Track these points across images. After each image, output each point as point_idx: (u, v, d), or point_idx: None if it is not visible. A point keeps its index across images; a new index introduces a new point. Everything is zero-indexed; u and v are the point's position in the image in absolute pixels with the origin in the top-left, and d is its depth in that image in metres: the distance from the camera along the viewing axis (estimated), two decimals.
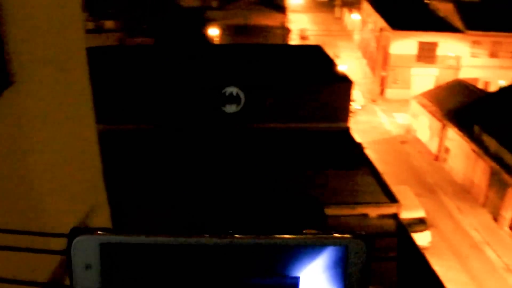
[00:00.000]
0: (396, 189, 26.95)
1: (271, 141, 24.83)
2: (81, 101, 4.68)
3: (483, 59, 57.53)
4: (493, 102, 41.24)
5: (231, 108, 25.48)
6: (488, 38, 56.84)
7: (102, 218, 4.96)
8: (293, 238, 1.63)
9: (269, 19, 59.98)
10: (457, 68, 56.70)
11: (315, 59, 31.42)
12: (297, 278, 1.62)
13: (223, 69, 27.40)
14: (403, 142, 48.50)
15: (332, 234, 1.66)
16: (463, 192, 39.18)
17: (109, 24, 50.79)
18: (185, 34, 49.72)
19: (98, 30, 48.73)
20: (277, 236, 1.65)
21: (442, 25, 58.31)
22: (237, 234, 1.65)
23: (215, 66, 27.79)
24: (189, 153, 23.00)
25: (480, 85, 54.81)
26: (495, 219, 35.28)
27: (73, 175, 4.56)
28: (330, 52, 36.50)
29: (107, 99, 22.62)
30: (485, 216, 35.98)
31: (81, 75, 4.58)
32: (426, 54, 57.68)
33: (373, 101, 57.91)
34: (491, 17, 56.38)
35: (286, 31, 62.43)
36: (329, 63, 31.18)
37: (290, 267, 1.62)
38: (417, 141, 48.10)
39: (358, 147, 28.61)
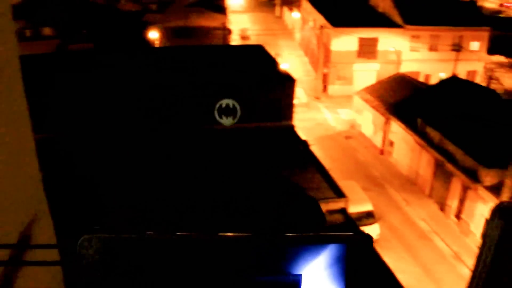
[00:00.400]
0: (343, 184, 27.12)
1: (216, 141, 24.67)
2: (16, 110, 4.48)
3: (422, 53, 58.64)
4: (434, 95, 41.97)
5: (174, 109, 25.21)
6: (426, 32, 57.96)
7: (44, 227, 4.76)
8: (294, 237, 1.66)
9: (210, 20, 59.83)
10: (398, 63, 57.61)
11: (257, 59, 31.38)
12: (299, 276, 1.65)
13: (163, 71, 27.07)
14: (348, 138, 48.96)
15: (333, 232, 1.68)
16: (409, 184, 39.77)
17: (47, 31, 49.81)
18: (125, 38, 49.12)
19: (36, 37, 47.75)
20: (279, 234, 1.66)
21: (382, 21, 59.24)
22: (239, 232, 1.69)
23: (155, 69, 27.44)
24: (132, 156, 22.65)
25: (421, 79, 55.87)
26: (442, 209, 35.90)
27: (11, 185, 4.36)
28: (271, 51, 36.54)
29: (45, 107, 22.12)
30: (432, 206, 36.59)
31: (15, 84, 4.40)
32: (367, 49, 58.41)
33: (317, 98, 58.31)
34: (429, 11, 57.56)
35: (227, 31, 62.35)
36: (271, 62, 31.19)
37: (292, 265, 1.64)
38: (362, 136, 48.63)
39: (304, 144, 28.70)
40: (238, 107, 25.45)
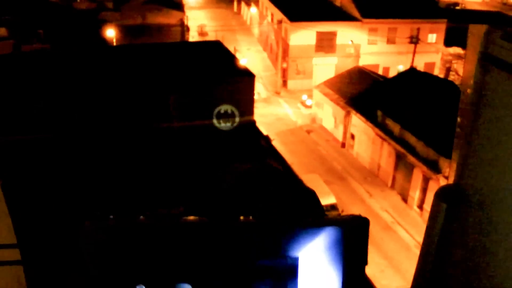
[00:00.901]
0: (306, 177, 27.05)
1: (178, 139, 24.36)
2: None
3: (381, 46, 59.09)
4: (393, 87, 42.29)
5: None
6: (384, 25, 58.43)
7: (4, 228, 4.52)
8: (292, 221, 1.53)
9: (167, 18, 59.37)
10: (356, 56, 57.96)
11: (216, 55, 31.11)
12: (296, 259, 1.55)
13: (119, 70, 26.59)
14: (309, 132, 49.03)
15: (330, 217, 1.51)
16: (372, 176, 39.99)
17: (2, 31, 48.73)
18: (81, 37, 48.32)
19: None
20: (277, 219, 1.52)
21: (340, 15, 59.52)
22: (237, 217, 1.54)
23: (110, 68, 26.93)
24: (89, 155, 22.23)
25: (380, 71, 56.31)
26: (404, 200, 36.19)
27: None
28: (230, 47, 36.29)
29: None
30: (395, 197, 36.86)
31: None
32: (325, 43, 58.61)
33: (277, 93, 58.32)
34: (386, 4, 58.04)
35: (184, 28, 61.93)
36: (230, 58, 30.93)
37: (290, 248, 1.55)
38: (323, 129, 48.77)
39: (266, 139, 28.54)
40: (236, 112, 25.36)
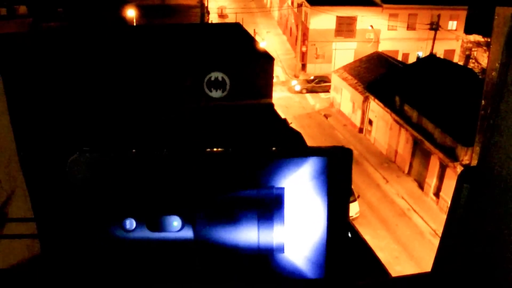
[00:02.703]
0: None
1: (197, 119, 24.49)
2: None
3: (400, 32, 58.73)
4: (412, 73, 42.05)
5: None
6: (404, 11, 58.04)
7: (21, 203, 4.63)
8: (276, 150, 1.70)
9: None
10: (376, 41, 57.65)
11: (235, 37, 31.17)
12: (282, 189, 1.69)
13: (137, 50, 26.73)
14: (326, 116, 48.98)
15: (313, 147, 1.75)
16: (388, 162, 39.93)
17: (23, 9, 48.94)
18: (101, 17, 48.44)
19: (12, 16, 46.91)
20: (261, 148, 1.71)
21: None
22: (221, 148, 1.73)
23: (135, 48, 27.07)
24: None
25: (399, 57, 56.00)
26: (421, 186, 36.11)
27: None
28: (249, 29, 36.28)
29: (21, 89, 21.73)
30: (411, 184, 36.79)
31: None
32: (345, 28, 58.38)
33: (296, 76, 58.22)
34: None
35: (204, 9, 61.83)
36: (249, 41, 30.98)
37: (276, 179, 1.69)
38: (341, 114, 48.68)
39: (283, 122, 28.61)
40: (227, 80, 25.33)
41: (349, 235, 1.81)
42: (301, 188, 1.71)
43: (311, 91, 53.90)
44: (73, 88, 23.70)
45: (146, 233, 1.75)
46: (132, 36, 31.41)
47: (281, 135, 20.63)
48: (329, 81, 53.53)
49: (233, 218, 1.72)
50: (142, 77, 24.61)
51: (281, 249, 1.75)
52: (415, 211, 33.88)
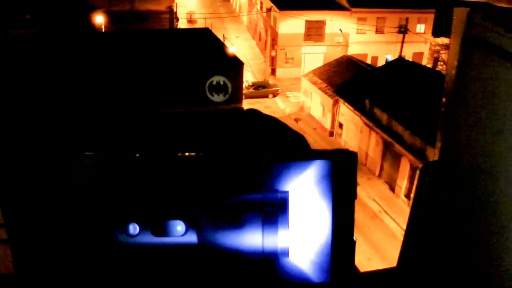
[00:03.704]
0: None
1: (170, 125, 24.31)
2: None
3: (369, 35, 59.19)
4: (381, 76, 42.37)
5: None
6: (373, 15, 58.49)
7: None
8: (280, 154, 1.67)
9: (155, 4, 59.01)
10: (345, 45, 58.00)
11: (204, 43, 31.07)
12: (286, 193, 1.68)
13: (105, 56, 26.49)
14: (297, 120, 49.08)
15: (318, 150, 1.77)
16: (359, 165, 39.92)
17: None
18: (70, 23, 47.95)
19: None
20: (266, 153, 1.70)
21: (329, 4, 59.43)
22: (225, 152, 1.73)
23: (100, 55, 26.82)
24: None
25: (368, 61, 56.40)
26: (392, 188, 36.35)
27: None
28: (219, 34, 36.17)
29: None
30: (382, 186, 37.01)
31: None
32: (314, 32, 58.62)
33: (265, 81, 58.25)
34: None
35: (173, 15, 61.61)
36: (219, 46, 30.92)
37: (280, 183, 1.67)
38: (311, 118, 48.85)
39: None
40: (229, 84, 25.20)
41: (354, 238, 1.79)
42: (305, 192, 1.70)
43: (249, 96, 53.51)
44: (58, 93, 23.36)
45: (150, 238, 1.72)
46: (101, 42, 30.94)
47: (283, 139, 20.56)
48: (269, 87, 54.06)
49: (238, 222, 1.70)
50: (131, 80, 24.40)
51: (286, 253, 1.73)
52: (386, 213, 34.07)
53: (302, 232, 1.71)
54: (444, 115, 3.31)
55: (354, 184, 1.67)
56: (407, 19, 56.53)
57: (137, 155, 1.62)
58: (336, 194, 1.65)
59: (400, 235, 31.64)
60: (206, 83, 25.08)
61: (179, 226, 1.69)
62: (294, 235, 1.71)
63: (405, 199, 34.76)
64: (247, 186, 1.67)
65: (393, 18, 58.38)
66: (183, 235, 1.69)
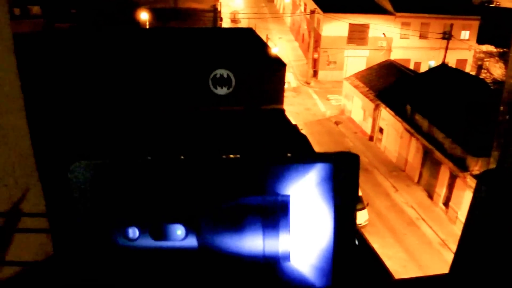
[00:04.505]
0: None
1: (208, 123, 24.50)
2: (9, 89, 4.40)
3: (413, 41, 58.60)
4: (423, 82, 41.97)
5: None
6: (417, 20, 57.89)
7: (36, 202, 4.67)
8: (282, 157, 1.67)
9: (199, 3, 59.38)
10: (388, 50, 57.57)
11: (247, 42, 31.18)
12: (287, 196, 1.67)
13: (153, 53, 26.80)
14: (337, 123, 48.91)
15: (319, 152, 1.72)
16: (398, 170, 39.81)
17: (36, 9, 49.11)
18: (114, 19, 48.61)
19: (25, 16, 47.06)
20: (267, 155, 1.68)
21: (373, 7, 59.07)
22: (226, 155, 1.71)
23: (146, 50, 27.16)
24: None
25: (411, 66, 55.87)
26: (430, 196, 35.98)
27: (4, 161, 4.29)
28: (262, 35, 36.31)
29: (37, 86, 21.81)
30: (420, 193, 36.67)
31: (8, 63, 4.31)
32: (357, 36, 58.31)
33: (307, 83, 58.21)
34: None
35: (217, 14, 61.94)
36: (262, 46, 31.01)
37: (281, 186, 1.66)
38: (351, 121, 48.61)
39: (294, 129, 28.59)
40: (232, 77, 25.31)
41: (356, 242, 1.77)
42: (307, 195, 1.69)
43: None
44: (83, 89, 23.81)
45: (149, 242, 1.73)
46: (141, 38, 31.42)
47: (287, 138, 20.61)
48: None
49: (238, 226, 1.69)
50: (147, 77, 24.69)
51: (287, 257, 1.72)
52: (424, 220, 33.75)
53: (304, 236, 1.71)
54: (502, 123, 3.32)
55: (356, 188, 1.68)
56: (451, 25, 55.86)
57: (135, 157, 1.70)
58: (337, 197, 1.66)
59: (436, 243, 31.38)
60: (209, 77, 25.23)
61: (179, 230, 1.70)
62: (296, 239, 1.70)
63: (443, 207, 34.39)
64: (248, 189, 1.66)
65: (437, 24, 57.75)
66: (183, 239, 1.70)
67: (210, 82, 25.29)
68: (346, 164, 1.67)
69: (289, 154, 1.70)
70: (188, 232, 1.71)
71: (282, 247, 1.70)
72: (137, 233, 1.72)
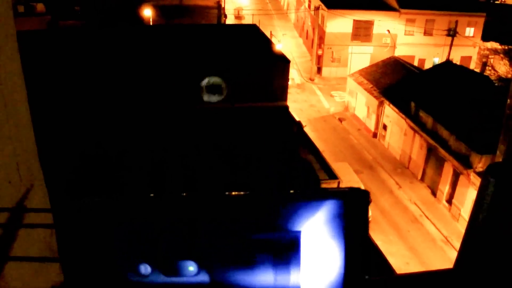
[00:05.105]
0: (336, 166, 27.06)
1: (213, 121, 24.48)
2: (13, 86, 4.43)
3: (417, 37, 58.49)
4: (428, 79, 41.90)
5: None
6: (421, 16, 57.76)
7: (40, 198, 4.70)
8: (292, 194, 1.71)
9: None
10: (392, 46, 57.48)
11: (251, 39, 31.13)
12: (298, 232, 1.71)
13: (154, 49, 26.79)
14: (341, 120, 48.87)
15: (330, 189, 1.64)
16: (402, 167, 39.78)
17: (40, 7, 49.13)
18: (118, 16, 48.59)
19: (29, 13, 47.09)
20: (277, 192, 1.72)
21: (377, 4, 58.95)
22: (236, 191, 1.73)
23: (148, 47, 27.15)
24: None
25: (415, 63, 55.78)
26: (433, 193, 35.96)
27: (9, 158, 4.32)
28: (266, 31, 36.28)
29: (41, 83, 21.85)
30: (424, 190, 36.64)
31: (12, 60, 4.33)
32: (362, 32, 58.23)
33: (311, 79, 58.16)
34: None
35: (221, 11, 61.90)
36: (266, 43, 30.95)
37: (292, 222, 1.69)
38: (355, 118, 48.57)
39: (298, 125, 28.56)
40: (224, 84, 25.24)
41: (366, 277, 1.79)
42: (317, 232, 1.73)
43: None
44: (86, 87, 23.81)
45: (161, 278, 1.75)
46: (141, 38, 31.35)
47: (289, 139, 20.59)
48: None
49: (250, 262, 1.73)
50: (147, 77, 24.67)
51: None
52: (427, 217, 33.74)
53: (314, 272, 1.72)
54: (510, 117, 3.32)
55: (366, 224, 1.74)
56: (456, 22, 55.71)
57: (147, 195, 1.69)
58: (348, 233, 1.70)
59: (440, 240, 31.38)
60: (201, 84, 25.15)
61: (191, 267, 1.74)
62: (306, 275, 1.72)
63: (446, 204, 34.36)
64: (259, 226, 1.70)
65: (442, 21, 57.60)
66: (195, 275, 1.73)
67: (204, 89, 25.26)
68: (356, 201, 1.73)
69: (299, 190, 1.75)
70: (200, 269, 1.76)
71: (293, 283, 1.73)
72: (149, 269, 1.76)
